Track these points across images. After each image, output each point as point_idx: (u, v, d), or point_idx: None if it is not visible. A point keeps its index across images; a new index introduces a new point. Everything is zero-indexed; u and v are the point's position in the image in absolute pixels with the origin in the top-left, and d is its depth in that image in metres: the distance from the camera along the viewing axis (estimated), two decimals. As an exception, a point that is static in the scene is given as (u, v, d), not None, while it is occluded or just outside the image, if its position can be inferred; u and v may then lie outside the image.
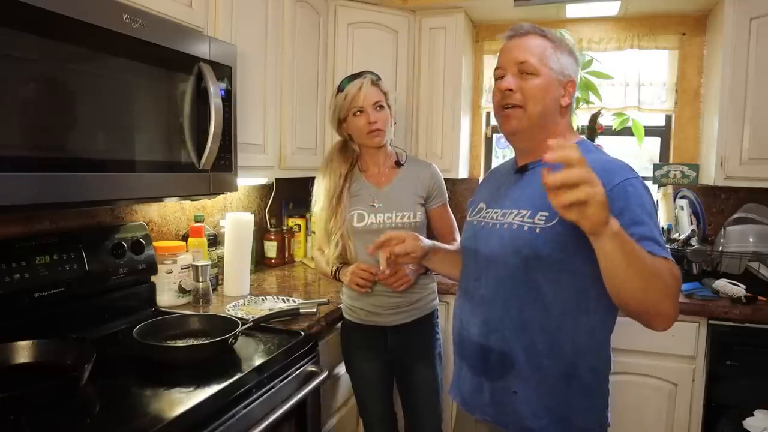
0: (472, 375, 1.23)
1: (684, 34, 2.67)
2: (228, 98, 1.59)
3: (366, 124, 1.70)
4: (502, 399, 1.17)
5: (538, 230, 1.11)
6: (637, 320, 1.04)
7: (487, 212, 1.27)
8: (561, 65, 1.19)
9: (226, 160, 1.60)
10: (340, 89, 1.75)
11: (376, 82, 1.73)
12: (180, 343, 1.43)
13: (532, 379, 1.14)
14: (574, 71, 1.22)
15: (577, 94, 1.58)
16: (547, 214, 1.12)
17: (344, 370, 1.88)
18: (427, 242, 1.43)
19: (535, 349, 1.13)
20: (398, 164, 1.80)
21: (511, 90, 1.17)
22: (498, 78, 1.22)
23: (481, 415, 1.22)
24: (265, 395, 1.32)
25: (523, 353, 1.14)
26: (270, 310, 1.76)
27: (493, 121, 3.06)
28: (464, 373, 1.26)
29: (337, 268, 1.78)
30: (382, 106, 1.72)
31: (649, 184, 1.24)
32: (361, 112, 1.70)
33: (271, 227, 2.61)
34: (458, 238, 1.77)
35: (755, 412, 1.88)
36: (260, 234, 2.56)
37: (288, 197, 2.79)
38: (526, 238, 1.13)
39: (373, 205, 1.75)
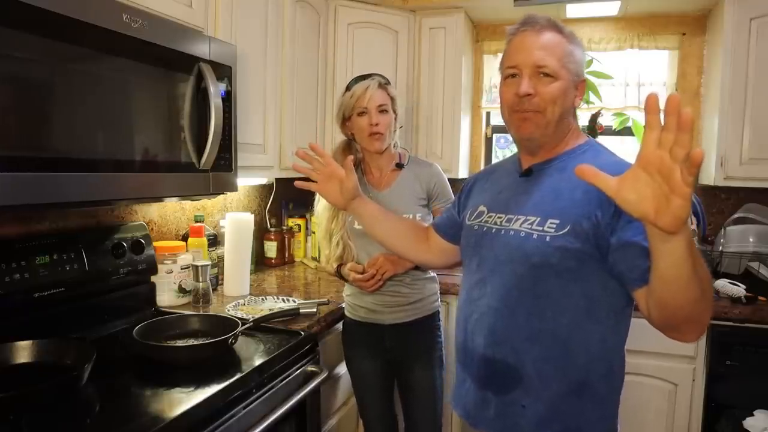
0: (476, 388, 1.18)
1: (684, 34, 2.67)
2: (228, 98, 1.59)
3: (368, 126, 1.70)
4: (509, 412, 1.12)
5: (548, 238, 1.06)
6: (669, 331, 0.96)
7: (489, 216, 1.21)
8: (576, 65, 1.13)
9: (226, 160, 1.60)
10: (348, 88, 1.76)
11: (383, 85, 1.74)
12: (180, 343, 1.43)
13: (542, 392, 1.09)
14: (583, 68, 1.16)
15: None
16: (557, 221, 1.07)
17: (344, 370, 1.88)
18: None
19: (545, 361, 1.08)
20: (399, 166, 1.80)
21: (529, 95, 1.09)
22: (509, 76, 1.13)
23: (486, 429, 1.17)
24: (265, 395, 1.32)
25: (532, 366, 1.09)
26: (270, 310, 1.76)
27: (493, 121, 3.06)
28: (468, 385, 1.20)
29: (338, 266, 1.80)
30: (386, 110, 1.72)
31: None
32: (364, 112, 1.70)
33: (271, 227, 2.61)
34: None
35: (755, 412, 1.88)
36: (260, 234, 2.56)
37: (288, 197, 2.79)
38: (535, 246, 1.08)
39: None
